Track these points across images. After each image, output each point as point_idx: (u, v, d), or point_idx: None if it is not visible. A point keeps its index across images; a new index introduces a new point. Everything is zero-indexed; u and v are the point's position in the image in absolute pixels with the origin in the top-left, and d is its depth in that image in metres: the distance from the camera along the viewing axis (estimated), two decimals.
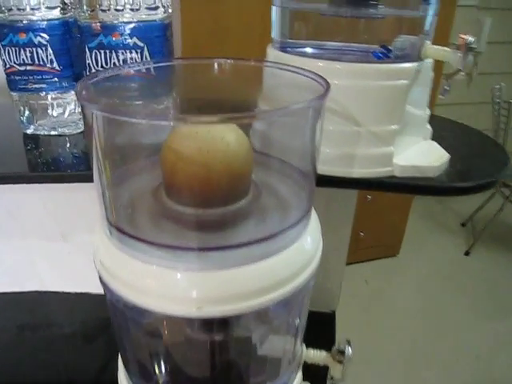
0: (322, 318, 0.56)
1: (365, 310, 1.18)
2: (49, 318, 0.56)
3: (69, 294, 0.58)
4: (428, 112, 0.44)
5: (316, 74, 0.30)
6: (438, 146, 0.44)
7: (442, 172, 0.41)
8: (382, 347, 1.12)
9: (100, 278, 0.29)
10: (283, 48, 0.44)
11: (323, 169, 0.38)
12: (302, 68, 0.32)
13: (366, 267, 1.29)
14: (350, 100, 0.38)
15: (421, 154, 0.42)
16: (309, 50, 0.43)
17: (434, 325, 1.20)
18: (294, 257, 0.28)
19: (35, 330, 0.54)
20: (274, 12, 0.43)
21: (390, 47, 0.37)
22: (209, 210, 0.28)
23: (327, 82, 0.28)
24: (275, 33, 0.44)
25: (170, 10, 0.43)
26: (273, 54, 0.42)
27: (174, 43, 0.88)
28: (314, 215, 0.33)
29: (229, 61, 0.34)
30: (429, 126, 0.45)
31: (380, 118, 0.39)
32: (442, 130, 0.48)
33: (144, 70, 0.40)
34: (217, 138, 0.27)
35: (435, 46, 0.39)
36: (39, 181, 0.43)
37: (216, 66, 0.35)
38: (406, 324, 1.18)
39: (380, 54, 0.37)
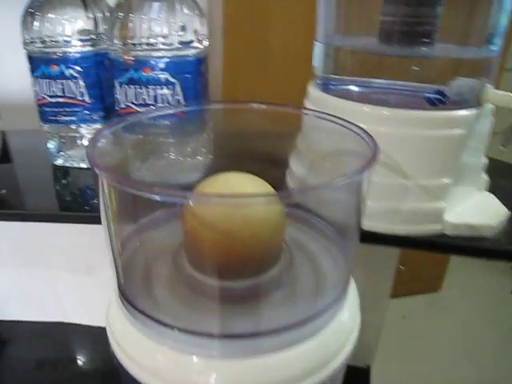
0: (355, 373, 0.52)
1: (401, 347, 1.11)
2: (70, 353, 0.54)
3: (91, 327, 0.57)
4: (485, 160, 0.39)
5: (362, 129, 0.26)
6: (495, 199, 0.39)
7: (499, 231, 0.36)
8: None
9: (110, 345, 0.27)
10: (326, 85, 0.41)
11: (364, 223, 0.34)
12: (345, 120, 0.28)
13: (404, 302, 1.22)
14: (398, 150, 0.34)
15: (475, 210, 0.37)
16: (354, 87, 0.40)
17: (476, 369, 1.11)
18: (330, 338, 0.25)
19: (55, 366, 0.52)
20: (318, 48, 0.40)
21: (445, 92, 0.33)
22: (233, 281, 0.25)
23: (375, 144, 0.24)
24: (318, 69, 0.41)
25: (206, 43, 0.41)
26: (314, 94, 0.39)
27: (215, 70, 0.87)
28: (351, 282, 0.29)
29: (263, 106, 0.31)
30: (485, 176, 0.40)
31: (431, 171, 0.35)
32: (499, 177, 0.43)
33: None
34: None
35: (498, 91, 0.35)
36: (69, 221, 0.42)
37: (251, 110, 0.32)
38: (446, 367, 1.10)
39: (434, 100, 0.33)
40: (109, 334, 0.26)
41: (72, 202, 0.43)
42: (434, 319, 1.24)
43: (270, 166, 0.36)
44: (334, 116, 0.29)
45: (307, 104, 0.41)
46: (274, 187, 0.30)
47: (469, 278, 1.42)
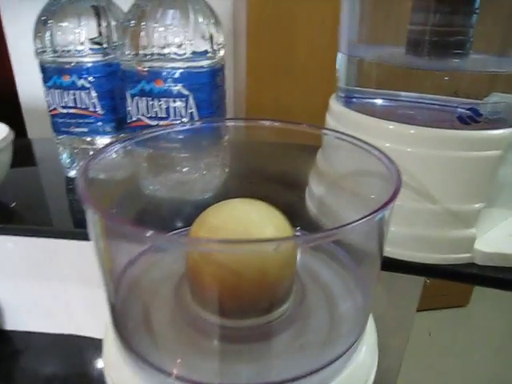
0: None
1: (426, 364, 1.07)
2: (81, 368, 0.53)
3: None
4: None
5: (385, 155, 0.24)
6: None
7: None
8: None
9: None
10: (349, 98, 0.38)
11: (386, 250, 0.32)
12: (367, 143, 0.26)
13: (429, 317, 1.17)
14: (426, 172, 0.31)
15: (508, 236, 0.34)
16: (378, 101, 0.37)
17: None
18: None
19: (65, 381, 0.51)
20: (340, 59, 0.38)
21: (480, 110, 0.30)
22: (237, 321, 0.22)
23: (398, 175, 0.22)
24: (341, 81, 0.39)
25: (221, 53, 0.39)
26: (336, 108, 0.37)
27: (241, 75, 0.84)
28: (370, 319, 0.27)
29: (277, 124, 0.29)
30: None
31: (462, 195, 0.32)
32: None
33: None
34: (253, 236, 0.22)
35: None
36: (82, 238, 0.40)
37: (266, 128, 0.30)
38: None
39: (467, 119, 0.30)
40: (105, 369, 0.24)
41: (84, 218, 0.41)
42: (461, 335, 1.19)
43: (285, 186, 0.34)
44: (354, 138, 0.27)
45: (329, 118, 0.38)
46: (288, 211, 0.28)
47: (498, 292, 1.35)
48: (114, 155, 0.24)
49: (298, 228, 0.31)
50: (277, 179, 0.33)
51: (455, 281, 0.33)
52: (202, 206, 0.36)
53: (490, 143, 0.30)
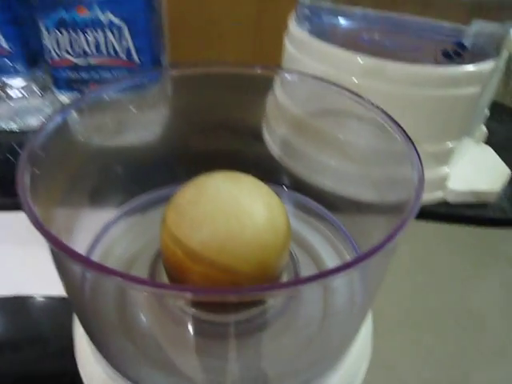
0: None
1: None
2: (33, 332, 0.49)
3: (53, 298, 0.51)
4: (487, 113, 0.35)
5: (391, 118, 0.20)
6: (494, 155, 0.36)
7: (502, 195, 0.33)
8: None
9: None
10: (312, 16, 0.33)
11: (355, 191, 0.29)
12: (349, 90, 0.22)
13: None
14: (399, 111, 0.28)
15: (476, 171, 0.34)
16: (343, 21, 0.33)
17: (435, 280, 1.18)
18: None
19: (16, 350, 0.47)
20: None
21: (465, 43, 0.27)
22: (228, 315, 0.20)
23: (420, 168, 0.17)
24: None
25: None
26: (297, 34, 0.31)
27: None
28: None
29: (228, 67, 0.24)
30: (484, 128, 0.36)
31: (437, 135, 0.30)
32: (495, 124, 0.39)
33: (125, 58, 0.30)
34: (247, 228, 0.18)
35: None
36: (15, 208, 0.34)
37: (217, 73, 0.25)
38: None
39: (452, 54, 0.27)
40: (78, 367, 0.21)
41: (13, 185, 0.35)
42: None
43: (250, 136, 0.30)
44: (329, 82, 0.22)
45: (288, 45, 0.33)
46: (258, 164, 0.24)
47: None
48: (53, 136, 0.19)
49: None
50: (239, 131, 0.28)
51: (428, 220, 0.32)
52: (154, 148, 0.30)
53: (472, 79, 0.28)
